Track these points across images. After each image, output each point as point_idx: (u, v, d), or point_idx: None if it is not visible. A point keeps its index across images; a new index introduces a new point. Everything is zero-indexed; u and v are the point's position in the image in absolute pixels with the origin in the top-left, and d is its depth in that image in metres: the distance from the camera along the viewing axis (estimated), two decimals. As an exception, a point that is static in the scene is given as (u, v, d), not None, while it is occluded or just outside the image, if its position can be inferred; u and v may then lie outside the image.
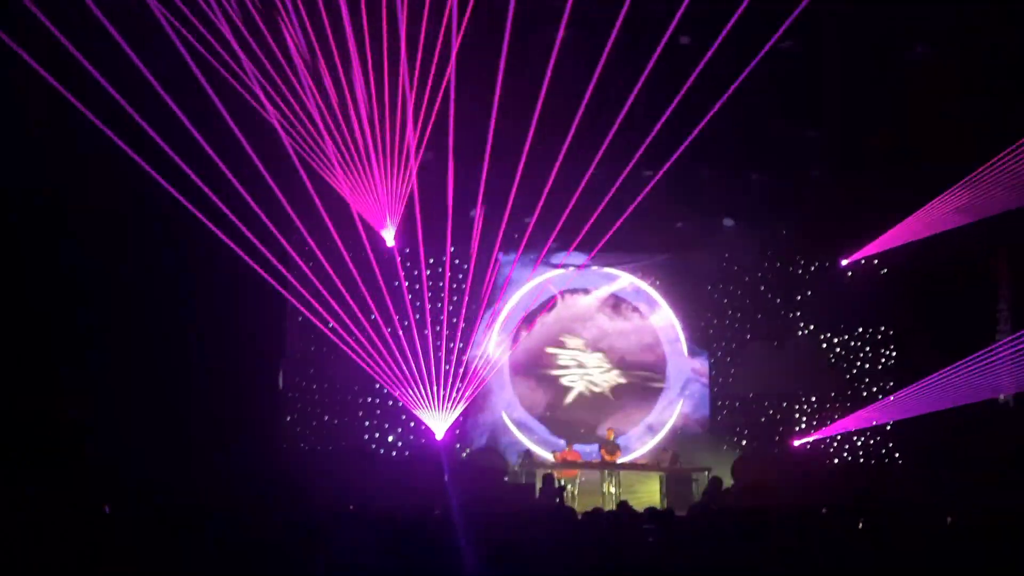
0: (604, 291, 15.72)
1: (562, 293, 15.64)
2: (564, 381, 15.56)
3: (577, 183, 13.17)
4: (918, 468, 13.80)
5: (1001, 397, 13.57)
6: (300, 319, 14.53)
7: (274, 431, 13.29)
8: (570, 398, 15.54)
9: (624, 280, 15.71)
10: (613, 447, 14.52)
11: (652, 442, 15.29)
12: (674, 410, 15.46)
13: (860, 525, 7.05)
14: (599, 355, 15.61)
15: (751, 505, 10.78)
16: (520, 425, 15.23)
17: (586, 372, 15.58)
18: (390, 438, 14.90)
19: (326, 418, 14.79)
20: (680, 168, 12.25)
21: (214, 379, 11.57)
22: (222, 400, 11.47)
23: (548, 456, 14.69)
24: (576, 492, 13.67)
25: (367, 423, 14.91)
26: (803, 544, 5.27)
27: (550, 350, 15.59)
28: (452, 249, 15.11)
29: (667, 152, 12.08)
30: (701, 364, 15.64)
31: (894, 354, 15.74)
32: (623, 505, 10.15)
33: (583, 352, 15.63)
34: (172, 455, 10.38)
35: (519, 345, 15.35)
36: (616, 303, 15.72)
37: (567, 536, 5.91)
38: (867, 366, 15.83)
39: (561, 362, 15.61)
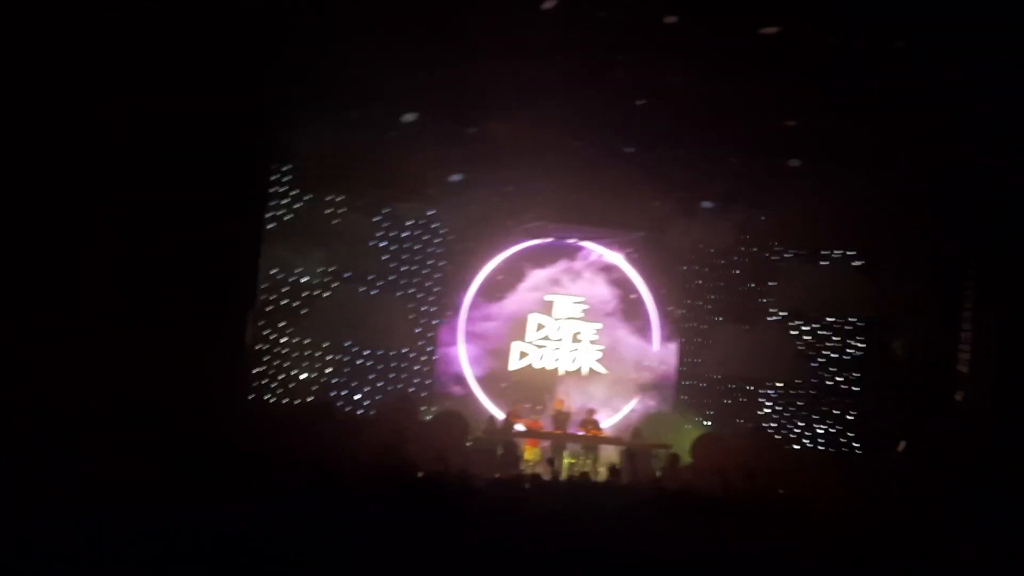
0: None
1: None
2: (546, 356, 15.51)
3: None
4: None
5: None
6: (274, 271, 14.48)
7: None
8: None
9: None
10: (592, 424, 14.48)
11: (616, 417, 15.35)
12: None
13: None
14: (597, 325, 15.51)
15: (705, 485, 10.93)
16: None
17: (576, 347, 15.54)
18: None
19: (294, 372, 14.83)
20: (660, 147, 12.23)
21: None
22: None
23: (515, 425, 14.78)
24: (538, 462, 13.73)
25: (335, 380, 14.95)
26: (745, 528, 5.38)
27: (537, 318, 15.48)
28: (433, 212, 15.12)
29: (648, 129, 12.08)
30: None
31: (862, 346, 15.90)
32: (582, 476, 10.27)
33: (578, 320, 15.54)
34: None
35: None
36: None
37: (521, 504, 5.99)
38: (834, 355, 16.00)
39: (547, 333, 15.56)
